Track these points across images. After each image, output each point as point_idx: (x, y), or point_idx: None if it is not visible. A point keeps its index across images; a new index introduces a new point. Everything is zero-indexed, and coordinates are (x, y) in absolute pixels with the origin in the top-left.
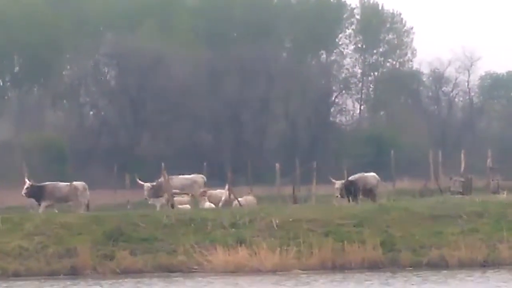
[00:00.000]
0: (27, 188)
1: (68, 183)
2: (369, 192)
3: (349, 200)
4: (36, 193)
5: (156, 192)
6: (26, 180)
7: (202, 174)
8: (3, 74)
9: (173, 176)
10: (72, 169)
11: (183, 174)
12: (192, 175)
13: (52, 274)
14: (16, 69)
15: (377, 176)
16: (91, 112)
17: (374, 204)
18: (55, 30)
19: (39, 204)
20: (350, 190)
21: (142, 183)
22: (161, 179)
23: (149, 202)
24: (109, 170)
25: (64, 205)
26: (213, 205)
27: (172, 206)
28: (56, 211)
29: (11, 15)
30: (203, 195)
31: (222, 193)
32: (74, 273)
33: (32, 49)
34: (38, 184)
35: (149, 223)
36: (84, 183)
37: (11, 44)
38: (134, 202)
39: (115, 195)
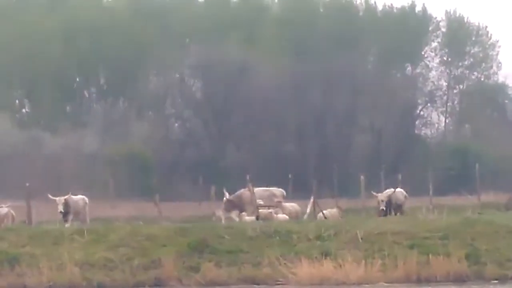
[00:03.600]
0: (64, 204)
1: (82, 196)
2: (398, 208)
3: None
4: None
5: (231, 206)
6: (51, 197)
7: (288, 185)
8: (88, 86)
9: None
10: (157, 181)
11: (267, 186)
12: (271, 188)
13: (137, 286)
14: (102, 80)
15: (404, 192)
16: (176, 124)
17: (460, 217)
18: (140, 41)
19: (65, 220)
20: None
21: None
22: (238, 193)
23: (217, 214)
24: (194, 181)
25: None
26: (287, 217)
27: (257, 218)
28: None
29: (97, 26)
30: (278, 206)
31: (293, 206)
32: (159, 284)
33: (117, 61)
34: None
35: (234, 235)
36: (85, 197)
37: (96, 56)
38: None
39: (200, 207)
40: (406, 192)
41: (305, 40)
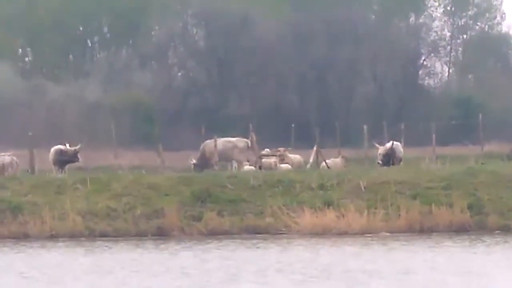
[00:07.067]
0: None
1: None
2: (398, 161)
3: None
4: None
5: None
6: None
7: (291, 135)
8: (91, 35)
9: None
10: (160, 130)
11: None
12: (235, 139)
13: (139, 235)
14: (105, 29)
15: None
16: (179, 73)
17: (463, 167)
18: None
19: (61, 169)
20: (389, 158)
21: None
22: (201, 150)
23: None
24: (196, 130)
25: None
26: (290, 166)
27: (260, 167)
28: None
29: None
30: (280, 156)
31: (296, 157)
32: (161, 233)
33: (120, 10)
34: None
35: (236, 185)
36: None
37: (100, 5)
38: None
39: None
40: (408, 142)
41: None
